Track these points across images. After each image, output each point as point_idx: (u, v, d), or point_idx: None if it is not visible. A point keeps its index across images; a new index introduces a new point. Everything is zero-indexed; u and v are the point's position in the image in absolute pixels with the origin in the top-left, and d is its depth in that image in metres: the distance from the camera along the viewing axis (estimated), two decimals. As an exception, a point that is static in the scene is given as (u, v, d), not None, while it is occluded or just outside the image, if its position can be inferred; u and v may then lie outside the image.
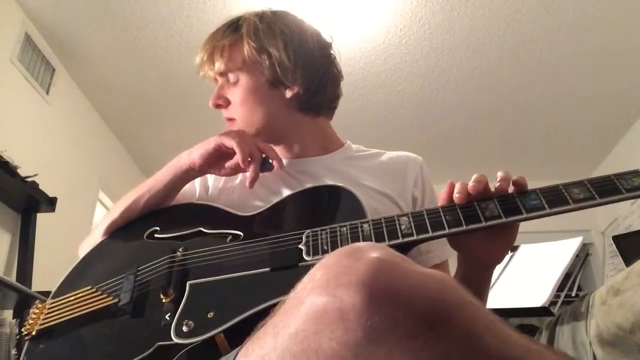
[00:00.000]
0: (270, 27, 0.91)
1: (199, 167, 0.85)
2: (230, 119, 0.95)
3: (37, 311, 0.78)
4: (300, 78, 0.90)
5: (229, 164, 0.85)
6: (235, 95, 0.92)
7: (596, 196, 0.63)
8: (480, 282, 0.80)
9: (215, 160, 0.85)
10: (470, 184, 0.68)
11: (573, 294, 1.96)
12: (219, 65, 0.91)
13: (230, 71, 0.92)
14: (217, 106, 0.95)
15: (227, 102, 0.94)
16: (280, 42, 0.89)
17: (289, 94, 0.91)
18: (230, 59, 0.91)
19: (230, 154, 0.83)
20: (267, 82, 0.91)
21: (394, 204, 0.90)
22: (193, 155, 0.85)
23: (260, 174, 0.86)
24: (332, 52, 0.98)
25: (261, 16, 0.93)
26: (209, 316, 0.63)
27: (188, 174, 0.87)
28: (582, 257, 2.89)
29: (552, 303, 1.48)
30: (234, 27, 0.93)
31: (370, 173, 0.94)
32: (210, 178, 0.99)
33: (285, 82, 0.90)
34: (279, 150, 0.99)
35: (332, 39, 0.99)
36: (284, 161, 0.97)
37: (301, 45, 0.91)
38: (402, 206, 0.90)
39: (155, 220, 0.86)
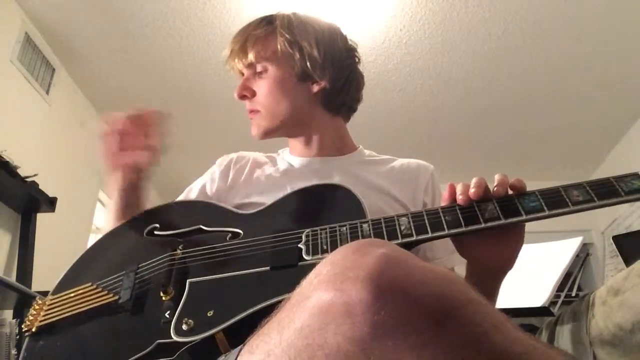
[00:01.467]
0: (303, 23, 0.95)
1: (116, 177, 0.90)
2: (254, 111, 0.97)
3: (37, 307, 0.78)
4: (328, 74, 0.94)
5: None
6: (262, 86, 0.95)
7: (595, 199, 0.63)
8: (485, 290, 0.76)
9: (119, 162, 0.90)
10: (472, 190, 0.68)
11: (573, 294, 1.96)
12: (251, 55, 0.94)
13: (260, 62, 0.94)
14: (242, 97, 0.97)
15: (253, 94, 0.96)
16: (312, 37, 0.93)
17: (315, 88, 0.95)
18: (263, 49, 0.94)
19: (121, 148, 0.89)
20: (295, 75, 0.94)
21: (405, 209, 0.91)
22: (109, 183, 0.91)
23: (273, 173, 0.90)
24: (357, 55, 1.02)
25: (294, 13, 0.97)
26: (208, 315, 0.63)
27: (126, 190, 0.91)
28: (582, 257, 2.89)
29: (552, 303, 1.48)
30: (268, 20, 0.97)
31: (382, 178, 0.96)
32: (213, 183, 1.00)
33: (313, 76, 0.94)
34: (297, 146, 1.02)
35: (356, 45, 1.03)
36: (300, 159, 0.99)
37: (331, 43, 0.96)
38: None
39: (155, 217, 0.87)
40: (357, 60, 1.02)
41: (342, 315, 0.40)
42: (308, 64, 0.92)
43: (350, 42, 1.01)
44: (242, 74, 0.98)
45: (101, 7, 2.42)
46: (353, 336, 0.39)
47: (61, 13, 2.45)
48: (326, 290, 0.41)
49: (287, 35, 0.93)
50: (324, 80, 0.94)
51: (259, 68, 0.94)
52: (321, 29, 0.95)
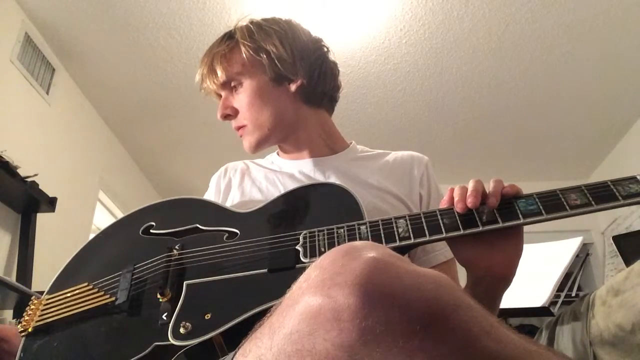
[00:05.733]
0: (262, 27, 0.94)
1: None
2: (240, 127, 0.96)
3: (33, 307, 0.78)
4: (302, 69, 0.93)
5: None
6: (241, 100, 0.94)
7: (593, 203, 0.63)
8: (484, 300, 0.72)
9: None
10: (468, 200, 0.67)
11: (573, 294, 1.95)
12: (221, 73, 0.93)
13: (233, 78, 0.94)
14: (226, 117, 0.96)
15: (235, 111, 0.96)
16: (275, 38, 0.92)
17: (293, 87, 0.94)
18: (231, 64, 0.93)
19: None
20: (270, 80, 0.93)
21: (403, 204, 0.90)
22: None
23: (270, 174, 0.87)
24: (324, 44, 1.01)
25: (251, 20, 0.97)
26: (206, 318, 0.63)
27: None
28: (582, 257, 2.88)
29: (552, 303, 1.48)
30: (228, 36, 0.97)
31: (377, 173, 0.95)
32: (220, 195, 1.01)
33: (287, 76, 0.93)
34: (288, 149, 1.01)
35: (320, 36, 1.02)
36: (293, 162, 0.98)
37: (295, 39, 0.95)
38: (410, 206, 0.91)
39: (151, 215, 0.86)
40: (326, 49, 1.01)
41: (330, 321, 0.39)
42: (279, 65, 0.91)
43: (313, 35, 1.01)
44: (220, 96, 0.97)
45: (101, 7, 2.41)
46: (341, 343, 0.39)
47: (61, 13, 2.45)
48: (314, 296, 0.41)
49: (250, 44, 0.92)
50: (299, 77, 0.93)
51: (233, 84, 0.94)
52: (282, 28, 0.95)
